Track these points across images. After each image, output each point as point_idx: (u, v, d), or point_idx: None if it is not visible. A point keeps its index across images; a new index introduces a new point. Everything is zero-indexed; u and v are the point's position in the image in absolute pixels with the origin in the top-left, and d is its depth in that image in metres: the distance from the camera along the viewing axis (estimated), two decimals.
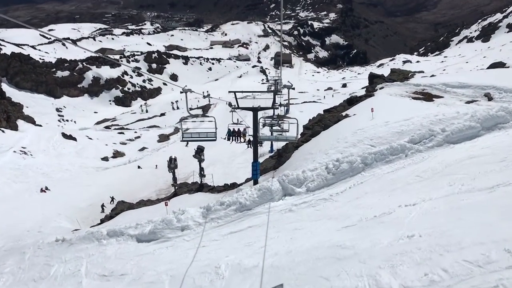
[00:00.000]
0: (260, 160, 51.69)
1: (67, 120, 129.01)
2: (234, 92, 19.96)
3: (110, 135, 73.91)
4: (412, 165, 16.94)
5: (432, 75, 33.24)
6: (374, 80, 30.43)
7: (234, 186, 26.45)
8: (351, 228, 13.20)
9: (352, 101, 27.77)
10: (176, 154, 61.70)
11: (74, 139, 64.84)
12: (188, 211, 17.17)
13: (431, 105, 22.81)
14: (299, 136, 21.94)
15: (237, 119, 24.65)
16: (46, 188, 46.49)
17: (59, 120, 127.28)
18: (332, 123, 22.41)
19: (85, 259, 16.89)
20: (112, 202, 43.68)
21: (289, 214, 15.97)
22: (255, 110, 20.57)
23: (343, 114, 23.45)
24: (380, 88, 28.65)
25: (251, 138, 55.07)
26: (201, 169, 29.01)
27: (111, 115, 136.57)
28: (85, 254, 17.24)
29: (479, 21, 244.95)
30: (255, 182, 21.36)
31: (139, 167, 57.57)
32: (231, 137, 31.60)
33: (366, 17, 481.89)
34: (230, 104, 20.10)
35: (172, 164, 27.53)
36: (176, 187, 28.42)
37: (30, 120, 75.46)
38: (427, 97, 25.35)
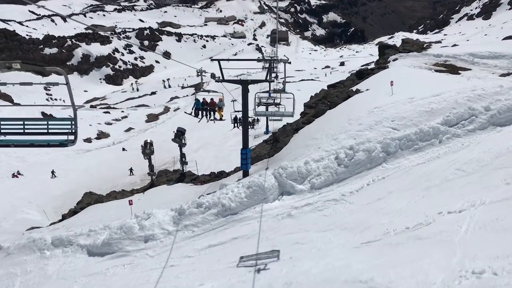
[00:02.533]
0: (255, 142, 47.59)
1: (55, 99, 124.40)
2: (218, 61, 15.71)
3: (94, 115, 69.31)
4: (449, 155, 12.90)
5: (454, 45, 28.97)
6: (386, 51, 26.17)
7: (221, 175, 22.42)
8: (375, 245, 9.35)
9: (362, 74, 23.53)
10: (164, 136, 57.67)
11: None
12: (155, 214, 13.11)
13: (460, 79, 18.64)
14: (296, 114, 19.95)
15: (205, 87, 20.63)
16: (19, 173, 42.31)
17: (47, 99, 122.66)
18: (340, 100, 18.25)
19: (20, 277, 12.86)
20: (131, 174, 43.64)
21: (288, 220, 11.96)
22: (245, 84, 16.37)
23: (353, 89, 19.30)
24: (393, 60, 24.45)
25: (238, 115, 49.73)
26: (182, 155, 24.86)
27: (101, 93, 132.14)
28: (21, 270, 13.20)
29: None
30: (245, 174, 17.28)
31: (124, 149, 53.31)
32: (200, 112, 24.99)
33: None
34: (213, 76, 15.89)
35: (147, 149, 23.37)
36: (154, 176, 24.42)
37: (7, 98, 70.68)
38: (451, 69, 21.20)
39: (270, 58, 17.05)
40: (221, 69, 16.01)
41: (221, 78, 16.15)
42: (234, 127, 29.18)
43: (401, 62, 23.78)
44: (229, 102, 23.93)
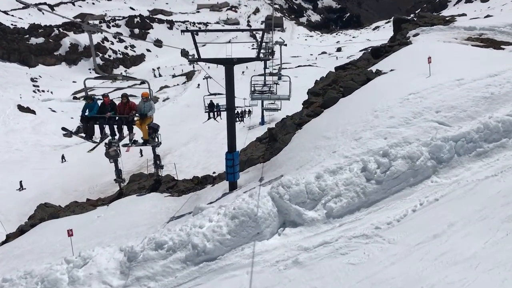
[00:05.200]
0: (249, 135, 43.17)
1: (43, 91, 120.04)
2: (192, 32, 11.29)
3: (77, 107, 64.38)
4: None
5: (488, 15, 24.54)
6: (402, 26, 21.69)
7: (205, 181, 18.15)
8: None
9: (379, 52, 19.06)
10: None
11: (33, 112, 55.62)
12: (96, 259, 8.76)
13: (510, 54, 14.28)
14: (292, 98, 19.97)
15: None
16: None
17: (34, 91, 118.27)
18: (357, 84, 13.85)
19: None
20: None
21: (294, 271, 7.67)
22: (230, 64, 11.96)
23: (371, 70, 14.94)
24: (413, 36, 20.08)
25: (215, 101, 44.76)
26: (156, 157, 20.50)
27: (90, 84, 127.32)
28: None
29: None
30: (232, 186, 12.94)
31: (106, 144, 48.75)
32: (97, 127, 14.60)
33: None
34: (184, 53, 11.46)
35: (112, 150, 18.97)
36: (122, 184, 20.04)
37: None
38: (490, 44, 16.86)
39: (261, 29, 12.44)
40: (195, 44, 11.59)
41: (196, 56, 11.76)
42: (210, 118, 24.04)
43: (425, 37, 19.39)
44: (202, 80, 20.56)
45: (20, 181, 36.62)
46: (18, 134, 47.33)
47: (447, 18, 23.40)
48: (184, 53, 11.49)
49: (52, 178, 38.26)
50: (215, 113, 22.42)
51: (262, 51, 14.15)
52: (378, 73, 14.49)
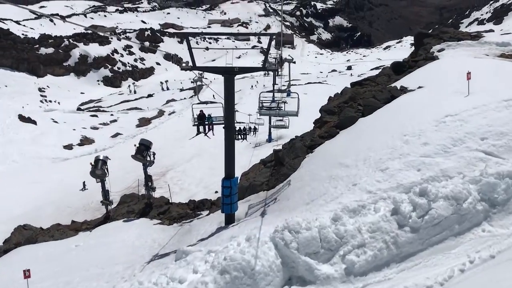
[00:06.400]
0: (254, 153, 41.35)
1: (50, 101, 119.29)
2: (186, 35, 9.41)
3: (80, 118, 62.91)
4: None
5: None
6: (425, 41, 19.71)
7: (202, 206, 16.13)
8: None
9: (402, 67, 17.04)
10: (156, 142, 51.37)
11: (34, 122, 54.05)
12: None
13: None
14: (299, 114, 18.57)
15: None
16: None
17: (41, 101, 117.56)
18: (380, 102, 11.86)
19: None
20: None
21: None
22: (228, 74, 10.06)
23: (395, 87, 12.91)
24: (438, 51, 18.14)
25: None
26: (148, 178, 18.48)
27: (98, 96, 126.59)
28: None
29: (491, 2, 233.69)
30: (229, 219, 10.91)
31: (107, 157, 46.84)
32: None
33: None
34: (175, 59, 9.54)
35: (98, 169, 17.10)
36: (109, 206, 18.09)
37: None
38: None
39: (269, 33, 10.23)
40: (190, 49, 9.70)
41: (190, 64, 9.88)
42: (199, 132, 18.52)
43: (451, 53, 17.40)
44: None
45: (83, 182, 36.63)
46: (16, 145, 45.66)
47: (472, 34, 21.45)
48: (176, 60, 9.65)
49: (47, 192, 36.37)
50: (206, 126, 18.48)
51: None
52: (403, 90, 12.53)
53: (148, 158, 17.44)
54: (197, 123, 17.74)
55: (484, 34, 21.39)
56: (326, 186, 9.02)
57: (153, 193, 19.10)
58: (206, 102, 12.21)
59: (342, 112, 13.22)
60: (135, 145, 18.78)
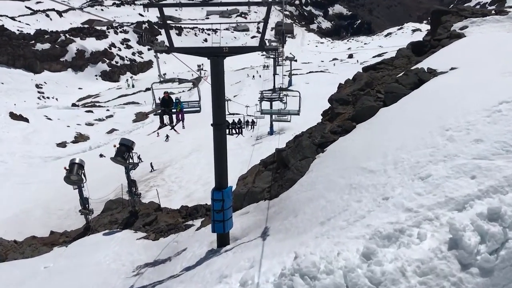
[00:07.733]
0: (255, 149, 39.60)
1: (48, 98, 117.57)
2: (159, 6, 7.27)
3: (75, 114, 60.70)
4: None
5: None
6: (443, 19, 17.42)
7: (196, 213, 14.00)
8: None
9: (423, 47, 14.83)
10: (150, 139, 49.21)
11: (26, 120, 51.94)
12: None
13: None
14: (301, 111, 19.78)
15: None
16: None
17: (39, 98, 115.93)
18: (406, 88, 9.69)
19: None
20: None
21: None
22: (215, 55, 7.88)
23: (422, 68, 10.70)
24: (460, 29, 15.91)
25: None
26: (131, 183, 16.31)
27: (96, 91, 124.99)
28: None
29: None
30: (222, 240, 8.76)
31: (101, 155, 44.73)
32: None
33: None
34: (147, 39, 7.08)
35: (74, 174, 14.99)
36: (89, 216, 16.00)
37: None
38: None
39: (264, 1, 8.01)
40: (165, 25, 7.50)
41: (166, 44, 7.70)
42: (163, 124, 14.93)
43: (477, 30, 15.14)
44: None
45: (151, 163, 38.81)
46: (6, 144, 43.62)
47: (494, 11, 19.15)
48: (148, 40, 7.48)
49: (36, 194, 34.46)
50: (173, 116, 14.04)
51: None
52: (432, 73, 10.35)
53: (131, 160, 15.27)
54: (159, 111, 13.60)
55: (508, 10, 19.12)
56: (346, 199, 6.86)
57: (138, 199, 16.95)
58: (172, 80, 9.94)
59: (358, 101, 11.03)
60: (114, 146, 16.56)
